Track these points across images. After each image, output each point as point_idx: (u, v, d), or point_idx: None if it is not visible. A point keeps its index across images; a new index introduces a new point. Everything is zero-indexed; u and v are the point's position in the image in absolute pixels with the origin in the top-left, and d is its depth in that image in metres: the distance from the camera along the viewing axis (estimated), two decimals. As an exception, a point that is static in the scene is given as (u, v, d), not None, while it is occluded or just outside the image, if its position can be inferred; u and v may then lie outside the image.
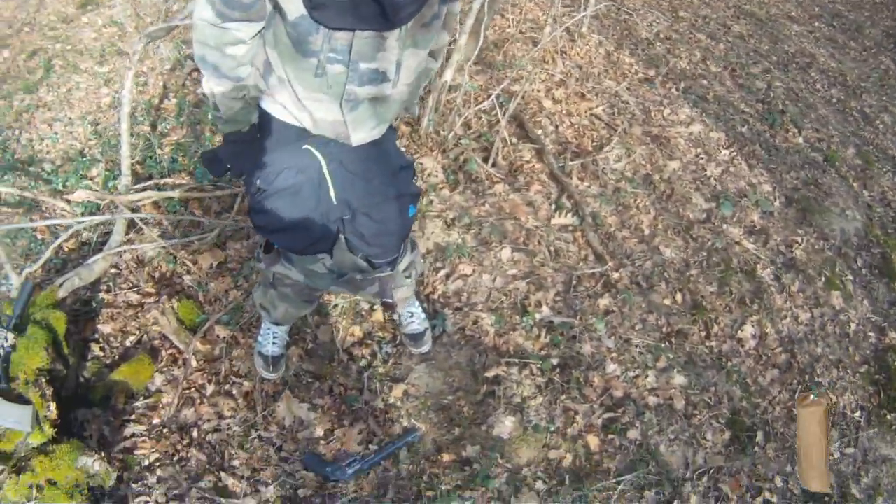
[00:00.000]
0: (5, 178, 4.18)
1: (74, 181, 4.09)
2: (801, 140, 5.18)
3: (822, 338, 3.81)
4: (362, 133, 2.09)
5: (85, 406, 2.91)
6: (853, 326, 3.99)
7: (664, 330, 3.44)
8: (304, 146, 2.14)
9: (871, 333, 4.04)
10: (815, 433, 2.58)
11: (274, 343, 2.97)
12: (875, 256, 4.53)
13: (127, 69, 3.60)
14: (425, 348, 3.15)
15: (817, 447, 2.58)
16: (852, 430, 3.57)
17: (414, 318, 3.10)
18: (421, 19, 1.82)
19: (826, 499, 3.19)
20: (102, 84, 4.91)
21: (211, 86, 2.03)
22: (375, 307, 3.29)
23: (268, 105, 2.11)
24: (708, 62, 5.81)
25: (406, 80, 2.00)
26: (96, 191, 3.87)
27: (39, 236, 3.77)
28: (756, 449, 3.27)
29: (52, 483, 2.53)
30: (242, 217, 3.63)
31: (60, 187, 4.09)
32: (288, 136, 2.13)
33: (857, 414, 3.64)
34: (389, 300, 2.80)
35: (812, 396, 2.60)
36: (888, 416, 3.71)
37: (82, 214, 3.81)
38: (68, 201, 3.85)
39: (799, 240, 4.21)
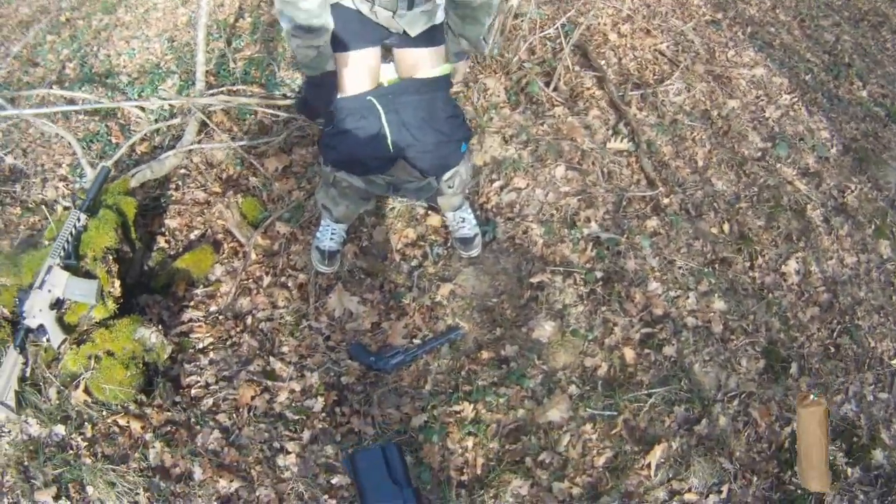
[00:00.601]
0: (83, 88, 4.35)
1: (150, 91, 4.28)
2: (864, 94, 5.13)
3: (865, 283, 3.85)
4: (417, 28, 2.34)
5: (147, 292, 3.08)
6: (899, 275, 4.02)
7: (709, 256, 3.51)
8: (368, 97, 2.45)
9: (918, 284, 4.07)
10: (815, 433, 2.63)
11: (332, 239, 3.12)
12: (929, 212, 4.53)
13: None
14: (474, 252, 3.26)
15: (817, 447, 2.64)
16: (887, 377, 3.63)
17: (465, 223, 3.21)
18: None
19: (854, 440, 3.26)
20: (180, 4, 5.04)
21: (288, 36, 2.24)
22: (430, 212, 3.42)
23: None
24: (777, 10, 5.74)
25: None
26: (168, 98, 4.04)
27: (114, 140, 3.96)
28: (789, 380, 3.35)
29: (109, 354, 2.68)
30: (309, 124, 3.77)
31: (136, 97, 4.25)
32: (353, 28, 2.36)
33: (895, 361, 3.69)
34: (434, 204, 3.10)
35: (812, 397, 2.66)
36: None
37: (156, 120, 4.00)
38: (142, 108, 4.04)
39: (852, 186, 4.22)
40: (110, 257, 2.89)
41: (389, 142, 2.51)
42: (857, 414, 3.43)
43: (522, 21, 4.23)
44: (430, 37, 2.48)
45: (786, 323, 3.48)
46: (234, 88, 3.95)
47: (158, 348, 2.80)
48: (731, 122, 4.24)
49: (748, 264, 3.57)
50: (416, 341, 3.03)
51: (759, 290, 3.50)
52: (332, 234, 3.12)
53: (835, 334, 3.60)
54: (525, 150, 3.70)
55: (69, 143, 3.64)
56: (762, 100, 4.55)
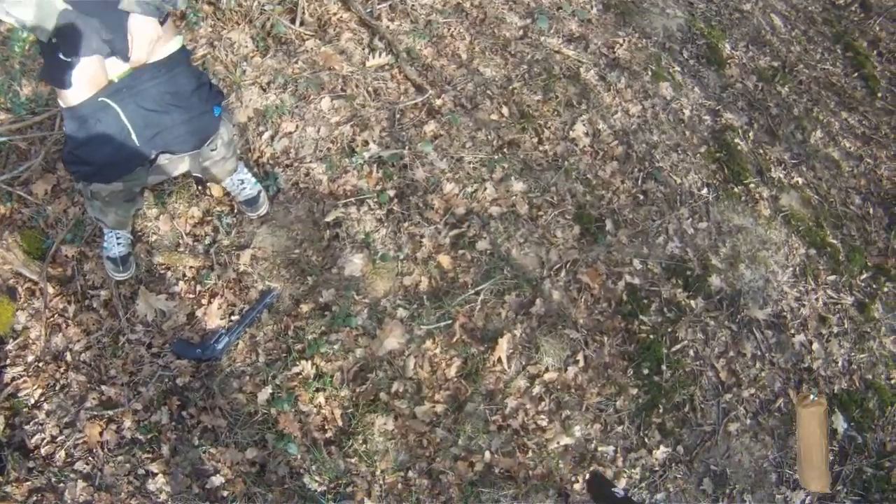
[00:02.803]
0: None
1: None
2: (617, -53, 5.35)
3: (656, 126, 4.05)
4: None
5: None
6: (687, 112, 4.25)
7: (495, 143, 3.57)
8: (100, 99, 2.32)
9: (706, 117, 4.32)
10: (814, 433, 2.73)
11: (119, 244, 3.02)
12: (701, 47, 4.80)
13: None
14: (262, 210, 3.23)
15: (817, 447, 2.74)
16: (702, 207, 3.85)
17: (245, 184, 3.16)
18: None
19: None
20: None
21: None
22: (208, 184, 3.33)
23: None
24: None
25: None
26: None
27: None
28: (608, 237, 3.50)
29: None
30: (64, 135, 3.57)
31: None
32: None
33: (705, 191, 3.91)
34: (199, 174, 3.00)
35: (812, 397, 2.77)
36: (735, 189, 4.00)
37: None
38: None
39: (620, 41, 4.40)
40: None
41: (135, 137, 2.42)
42: (683, 248, 3.63)
43: None
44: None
45: (589, 185, 3.61)
46: None
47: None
48: (485, 8, 4.30)
49: (536, 140, 3.67)
50: (235, 317, 2.99)
51: (553, 162, 3.61)
52: (118, 239, 3.03)
53: (639, 182, 3.77)
54: (285, 92, 3.63)
55: None
56: (515, -22, 4.65)
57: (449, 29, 4.11)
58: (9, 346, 2.97)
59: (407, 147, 3.45)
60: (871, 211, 4.50)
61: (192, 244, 3.20)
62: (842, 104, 5.19)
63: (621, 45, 4.37)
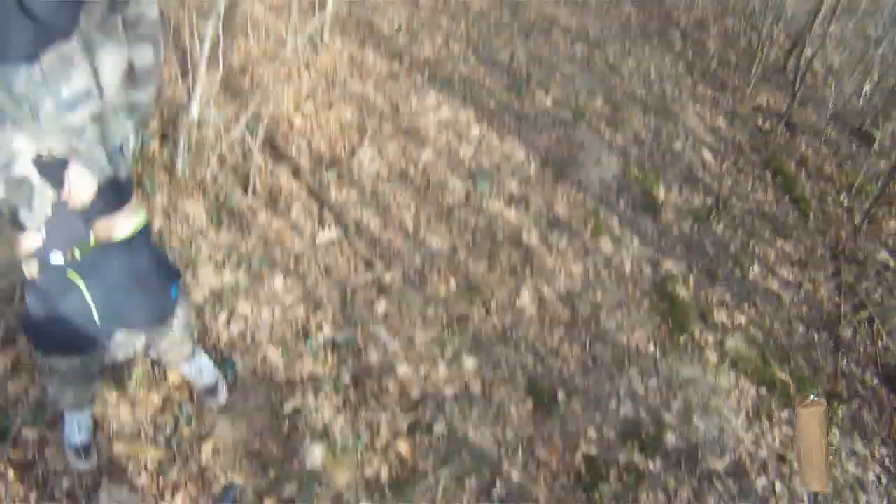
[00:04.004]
0: None
1: None
2: (549, 102, 5.66)
3: (599, 284, 4.25)
4: (95, 153, 2.26)
5: None
6: (628, 266, 4.47)
7: (444, 320, 3.71)
8: (66, 271, 2.35)
9: (647, 268, 4.54)
10: (815, 434, 2.81)
11: (80, 431, 2.99)
12: (636, 195, 5.07)
13: None
14: (221, 399, 3.25)
15: (817, 447, 2.81)
16: (651, 364, 4.02)
17: (203, 370, 3.18)
18: (92, 20, 1.98)
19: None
20: None
21: None
22: (168, 369, 3.34)
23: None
24: (451, 44, 6.19)
25: (112, 83, 2.15)
26: None
27: None
28: (562, 408, 3.62)
29: None
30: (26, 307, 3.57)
31: None
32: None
33: (652, 347, 4.09)
34: (155, 355, 3.00)
35: (812, 397, 2.87)
36: (681, 340, 4.19)
37: None
38: None
39: (559, 197, 4.64)
40: None
41: (96, 315, 2.46)
42: (636, 409, 3.77)
43: (207, 131, 4.27)
44: (117, 193, 2.43)
45: (538, 355, 3.75)
46: None
47: None
48: (429, 173, 4.51)
49: (485, 312, 3.82)
50: None
51: (502, 334, 3.75)
52: (79, 425, 3.00)
53: (587, 346, 3.94)
54: (240, 270, 3.73)
55: None
56: (453, 140, 4.89)
57: (395, 198, 4.30)
58: None
59: (360, 328, 3.56)
60: (816, 337, 4.73)
61: (153, 434, 3.19)
62: (776, 232, 5.49)
63: (560, 202, 4.61)
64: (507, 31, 6.77)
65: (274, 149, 4.58)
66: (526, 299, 3.93)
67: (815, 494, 2.64)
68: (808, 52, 6.92)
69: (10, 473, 3.00)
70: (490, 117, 5.21)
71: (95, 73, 2.08)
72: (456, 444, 3.31)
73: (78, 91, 2.06)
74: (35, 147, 2.13)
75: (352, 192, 4.30)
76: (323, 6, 5.59)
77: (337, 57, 5.68)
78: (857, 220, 5.80)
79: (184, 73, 4.47)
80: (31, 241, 2.29)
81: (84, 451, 2.99)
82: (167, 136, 4.46)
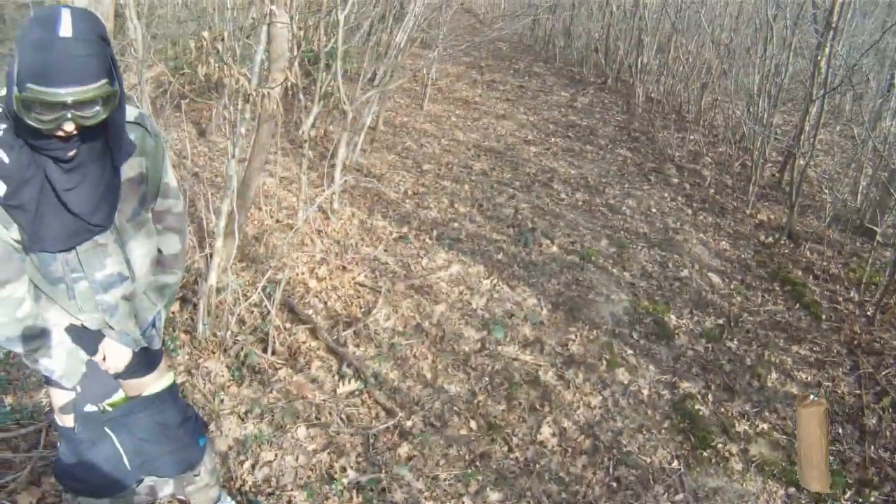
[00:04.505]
0: None
1: None
2: (555, 249, 6.05)
3: (618, 412, 4.45)
4: (128, 328, 2.50)
5: None
6: (645, 392, 4.67)
7: (467, 458, 3.91)
8: (100, 420, 2.58)
9: (665, 391, 4.73)
10: (814, 433, 2.81)
11: None
12: (649, 325, 5.33)
13: None
14: None
15: (817, 447, 2.81)
16: (676, 480, 4.14)
17: None
18: (124, 216, 2.26)
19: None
20: None
21: (30, 358, 2.31)
22: None
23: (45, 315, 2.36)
24: (456, 205, 6.68)
25: (143, 268, 2.44)
26: None
27: None
28: (586, 536, 3.76)
29: None
30: (52, 451, 3.71)
31: None
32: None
33: (676, 464, 4.23)
34: (184, 498, 3.13)
35: (812, 397, 2.87)
36: (704, 453, 4.32)
37: None
38: None
39: (572, 337, 4.92)
40: None
41: (126, 462, 2.63)
42: (663, 529, 3.87)
43: (226, 295, 4.63)
44: (149, 360, 2.66)
45: (562, 483, 3.92)
46: None
47: None
48: (443, 326, 4.84)
49: (506, 448, 4.01)
50: None
51: (525, 467, 3.94)
52: None
53: (611, 470, 4.08)
54: (262, 422, 3.97)
55: None
56: (465, 294, 5.24)
57: (411, 350, 4.61)
58: None
59: (384, 471, 3.74)
60: (841, 431, 4.79)
61: None
62: (790, 339, 5.63)
63: (574, 340, 4.89)
64: (509, 187, 7.27)
65: (291, 311, 4.94)
66: (546, 433, 4.14)
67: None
68: (800, 162, 7.25)
69: None
70: (500, 269, 5.58)
71: (127, 260, 2.35)
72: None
73: (111, 275, 2.32)
74: (69, 321, 2.40)
75: (369, 347, 4.62)
76: (331, 179, 6.14)
77: (347, 223, 6.16)
78: (869, 312, 5.95)
79: (200, 243, 4.88)
80: (66, 395, 2.51)
81: None
82: (187, 299, 4.83)
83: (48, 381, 2.48)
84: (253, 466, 3.75)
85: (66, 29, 1.77)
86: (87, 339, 2.44)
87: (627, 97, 11.46)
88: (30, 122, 1.84)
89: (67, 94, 1.79)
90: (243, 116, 4.19)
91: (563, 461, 4.06)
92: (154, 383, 2.71)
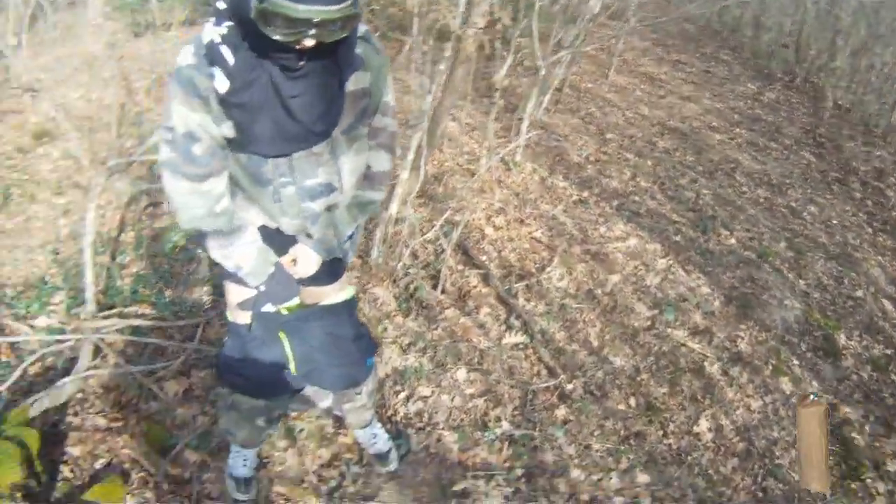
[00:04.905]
0: None
1: (38, 307, 4.13)
2: (733, 241, 5.66)
3: (776, 422, 4.13)
4: (327, 237, 2.45)
5: None
6: (806, 408, 4.32)
7: (622, 433, 3.71)
8: (275, 321, 2.54)
9: (825, 413, 4.37)
10: (815, 433, 2.71)
11: (244, 465, 3.06)
12: (818, 339, 4.93)
13: (89, 201, 3.80)
14: (392, 466, 3.29)
15: (817, 447, 2.71)
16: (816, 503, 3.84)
17: (377, 438, 3.25)
18: (340, 128, 2.18)
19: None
20: (60, 215, 5.03)
21: (221, 252, 2.29)
22: (341, 430, 3.46)
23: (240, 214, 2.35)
24: (638, 178, 6.35)
25: (350, 182, 2.36)
26: (59, 316, 3.99)
27: (3, 358, 3.77)
28: (728, 538, 3.52)
29: None
30: (206, 346, 3.82)
31: (23, 312, 4.10)
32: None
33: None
34: (340, 413, 3.11)
35: (812, 397, 2.77)
36: (853, 486, 3.98)
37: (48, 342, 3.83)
38: (32, 326, 3.93)
39: (742, 334, 4.59)
40: (18, 494, 2.70)
41: (292, 368, 2.58)
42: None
43: (402, 227, 4.56)
44: (333, 271, 2.57)
45: (710, 481, 3.67)
46: (126, 311, 3.92)
47: None
48: (615, 296, 4.60)
49: (661, 433, 3.79)
50: None
51: (677, 456, 3.71)
52: (245, 460, 3.05)
53: (759, 479, 3.81)
54: (424, 357, 3.89)
55: None
56: (640, 269, 4.97)
57: (581, 314, 4.41)
58: None
59: (537, 429, 3.61)
60: None
61: (317, 483, 3.24)
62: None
63: (743, 338, 4.56)
64: (691, 171, 6.87)
65: (465, 254, 4.81)
66: (703, 426, 3.88)
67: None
68: None
69: (165, 485, 3.11)
70: (676, 251, 5.27)
71: (338, 172, 2.27)
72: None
73: (320, 184, 2.26)
74: (263, 221, 2.35)
75: (539, 303, 4.45)
76: (517, 132, 5.93)
77: (528, 178, 5.96)
78: None
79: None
80: (246, 292, 2.46)
81: (246, 484, 3.06)
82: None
83: (228, 277, 2.45)
84: (407, 398, 3.69)
85: None
86: (278, 241, 2.39)
87: (815, 100, 10.63)
88: (267, 33, 1.77)
89: (315, 12, 1.72)
90: (443, 55, 4.04)
91: (714, 458, 3.81)
92: (334, 294, 2.64)
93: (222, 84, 1.93)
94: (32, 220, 5.02)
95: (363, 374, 2.82)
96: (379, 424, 3.29)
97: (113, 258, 4.41)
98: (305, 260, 2.44)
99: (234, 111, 1.99)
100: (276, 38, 1.78)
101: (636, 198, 6.00)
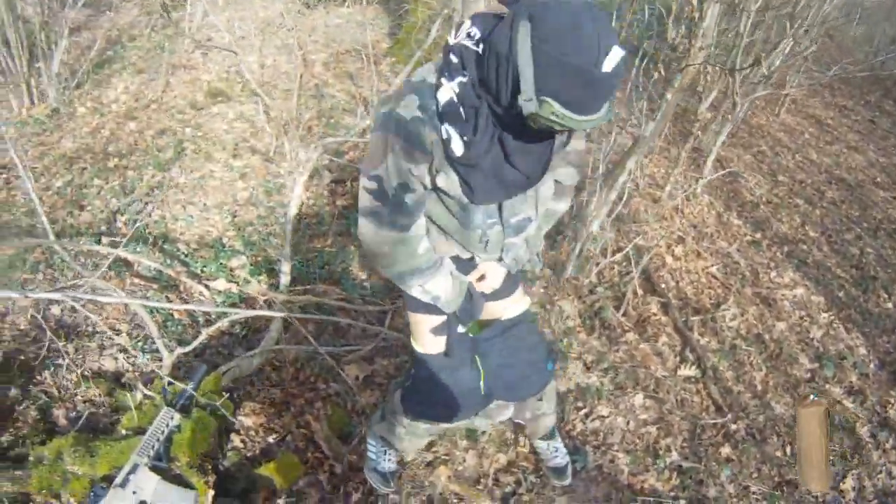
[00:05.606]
0: (138, 249, 4.11)
1: (215, 268, 4.08)
2: (890, 305, 5.44)
3: (915, 493, 4.03)
4: (518, 254, 2.34)
5: (222, 495, 2.73)
6: (947, 487, 4.18)
7: (776, 479, 3.71)
8: (468, 342, 2.42)
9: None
10: (815, 433, 2.60)
11: (389, 460, 2.98)
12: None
13: (298, 175, 3.70)
14: (567, 481, 3.25)
15: (817, 447, 2.61)
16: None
17: (558, 452, 3.24)
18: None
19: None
20: (238, 178, 4.95)
21: (419, 288, 2.16)
22: (520, 437, 3.49)
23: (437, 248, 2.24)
24: (806, 227, 6.15)
25: (544, 205, 2.24)
26: (236, 283, 3.94)
27: (177, 316, 3.77)
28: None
29: None
30: (395, 334, 3.84)
31: (198, 271, 4.07)
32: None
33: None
34: (521, 422, 3.08)
35: (812, 397, 2.67)
36: None
37: (223, 303, 3.84)
38: (207, 287, 3.89)
39: (892, 401, 4.45)
40: (208, 466, 2.68)
41: (482, 386, 2.44)
42: None
43: (596, 246, 4.58)
44: (512, 282, 2.47)
45: (848, 540, 3.65)
46: (316, 288, 3.87)
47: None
48: (781, 344, 4.54)
49: (811, 485, 3.77)
50: None
51: (823, 510, 3.70)
52: (389, 455, 2.97)
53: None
54: (606, 377, 3.95)
55: (125, 308, 3.47)
56: (805, 320, 4.86)
57: (748, 357, 4.37)
58: (280, 502, 2.96)
59: (703, 463, 3.63)
60: None
61: (492, 486, 3.25)
62: None
63: (892, 405, 4.42)
64: (856, 227, 6.57)
65: (647, 280, 4.82)
66: (848, 485, 3.80)
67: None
68: None
69: (338, 469, 3.13)
70: (838, 307, 5.11)
71: (536, 202, 2.15)
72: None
73: (524, 219, 2.15)
74: (459, 253, 2.23)
75: (713, 340, 4.44)
76: (694, 163, 5.80)
77: (705, 211, 5.86)
78: None
79: (578, 190, 4.75)
80: (438, 318, 2.35)
81: (392, 477, 3.01)
82: (549, 235, 4.60)
83: (416, 308, 2.34)
84: (587, 416, 3.70)
85: (609, 65, 1.53)
86: (462, 264, 2.28)
87: None
88: (529, 124, 1.66)
89: (593, 122, 1.62)
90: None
91: (859, 522, 3.76)
92: (513, 307, 2.54)
93: (458, 147, 1.78)
94: (207, 178, 4.91)
95: (545, 378, 2.68)
96: (559, 438, 3.27)
97: (295, 231, 4.18)
98: (494, 274, 2.33)
99: (460, 168, 1.86)
100: (530, 125, 1.66)
101: (804, 246, 5.82)
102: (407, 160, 1.82)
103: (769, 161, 7.37)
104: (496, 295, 2.43)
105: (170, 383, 2.62)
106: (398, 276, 2.12)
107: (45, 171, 4.90)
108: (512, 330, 2.55)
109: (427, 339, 2.40)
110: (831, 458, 2.58)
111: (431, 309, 2.28)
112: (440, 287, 2.17)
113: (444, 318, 2.34)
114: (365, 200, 1.93)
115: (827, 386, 4.36)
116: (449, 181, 1.89)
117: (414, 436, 2.80)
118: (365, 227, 1.98)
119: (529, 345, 2.61)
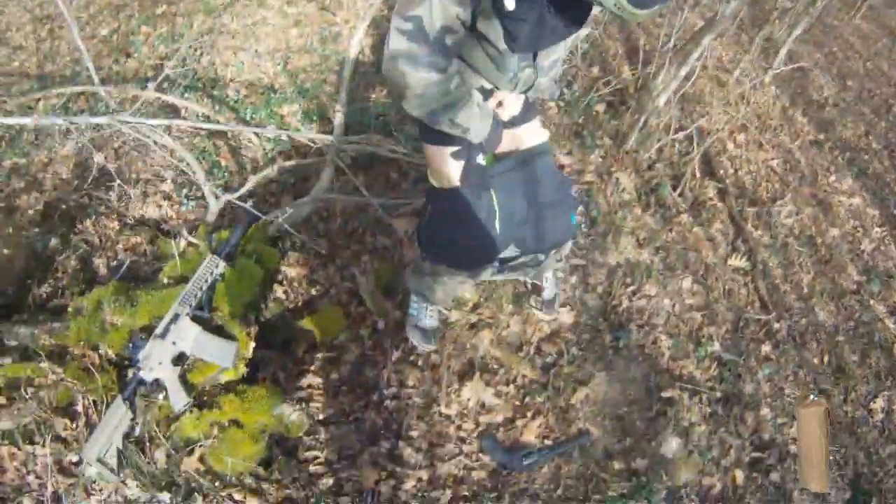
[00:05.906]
0: (186, 95, 3.82)
1: (266, 114, 3.80)
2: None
3: (943, 421, 3.75)
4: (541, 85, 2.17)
5: (262, 347, 2.54)
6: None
7: (811, 386, 3.41)
8: (485, 172, 2.26)
9: None
10: (814, 433, 2.48)
11: (430, 317, 2.82)
12: None
13: (360, 21, 3.45)
14: (553, 315, 3.07)
15: (817, 447, 2.48)
16: None
17: (548, 282, 2.98)
18: None
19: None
20: (291, 25, 4.54)
21: (449, 123, 2.00)
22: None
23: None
24: (870, 137, 5.57)
25: (570, 46, 2.17)
26: (288, 130, 3.63)
27: (223, 162, 3.52)
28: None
29: (237, 424, 2.27)
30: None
31: (247, 118, 3.79)
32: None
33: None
34: (539, 283, 2.90)
35: (812, 397, 2.52)
36: None
37: (272, 150, 3.57)
38: (257, 134, 3.62)
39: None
40: (252, 317, 2.47)
41: (497, 223, 2.25)
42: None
43: (659, 121, 4.12)
44: (529, 107, 2.30)
45: (869, 458, 3.38)
46: (370, 137, 3.50)
47: (296, 425, 2.44)
48: (832, 250, 4.13)
49: (843, 398, 3.46)
50: (548, 442, 2.75)
51: (849, 426, 3.40)
52: (430, 312, 2.80)
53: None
54: (656, 256, 3.56)
55: (171, 154, 3.17)
56: (858, 231, 4.43)
57: (799, 257, 3.98)
58: (318, 355, 2.78)
59: (743, 358, 3.31)
60: None
61: (534, 355, 3.02)
62: None
63: (934, 330, 4.08)
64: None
65: (706, 163, 4.35)
66: (878, 405, 3.51)
67: None
68: None
69: (381, 325, 2.92)
70: (892, 223, 4.67)
71: (567, 44, 2.07)
72: (781, 496, 2.98)
73: (555, 60, 2.07)
74: (483, 84, 2.11)
75: (765, 234, 4.02)
76: (765, 53, 5.18)
77: (770, 103, 5.29)
78: None
79: (646, 62, 4.30)
80: (452, 148, 2.21)
81: (434, 334, 2.83)
82: (612, 105, 4.28)
83: (431, 140, 2.21)
84: (634, 293, 3.38)
85: None
86: (484, 93, 2.14)
87: None
88: None
89: (646, 15, 1.57)
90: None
91: (877, 438, 3.48)
92: (531, 136, 2.35)
93: (510, 2, 1.68)
94: (260, 25, 4.52)
95: (569, 231, 2.50)
96: (552, 272, 3.00)
97: (355, 82, 3.96)
98: (512, 101, 2.20)
99: (506, 21, 1.76)
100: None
101: (866, 156, 5.29)
102: (456, 3, 1.72)
103: (839, 64, 6.67)
104: (514, 122, 2.28)
105: (216, 229, 2.46)
106: (429, 115, 1.96)
107: (91, 19, 4.51)
108: (529, 165, 2.32)
109: (444, 170, 2.23)
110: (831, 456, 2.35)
111: (442, 140, 2.16)
112: (468, 119, 2.02)
113: (460, 146, 2.20)
114: (398, 42, 1.77)
115: (871, 302, 3.98)
116: (491, 28, 1.81)
117: (442, 284, 2.57)
118: (397, 69, 1.81)
119: (551, 184, 2.35)
